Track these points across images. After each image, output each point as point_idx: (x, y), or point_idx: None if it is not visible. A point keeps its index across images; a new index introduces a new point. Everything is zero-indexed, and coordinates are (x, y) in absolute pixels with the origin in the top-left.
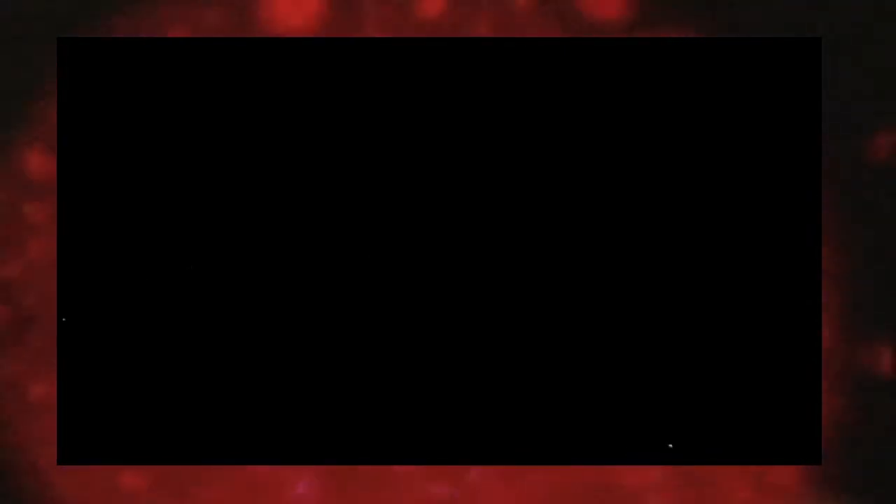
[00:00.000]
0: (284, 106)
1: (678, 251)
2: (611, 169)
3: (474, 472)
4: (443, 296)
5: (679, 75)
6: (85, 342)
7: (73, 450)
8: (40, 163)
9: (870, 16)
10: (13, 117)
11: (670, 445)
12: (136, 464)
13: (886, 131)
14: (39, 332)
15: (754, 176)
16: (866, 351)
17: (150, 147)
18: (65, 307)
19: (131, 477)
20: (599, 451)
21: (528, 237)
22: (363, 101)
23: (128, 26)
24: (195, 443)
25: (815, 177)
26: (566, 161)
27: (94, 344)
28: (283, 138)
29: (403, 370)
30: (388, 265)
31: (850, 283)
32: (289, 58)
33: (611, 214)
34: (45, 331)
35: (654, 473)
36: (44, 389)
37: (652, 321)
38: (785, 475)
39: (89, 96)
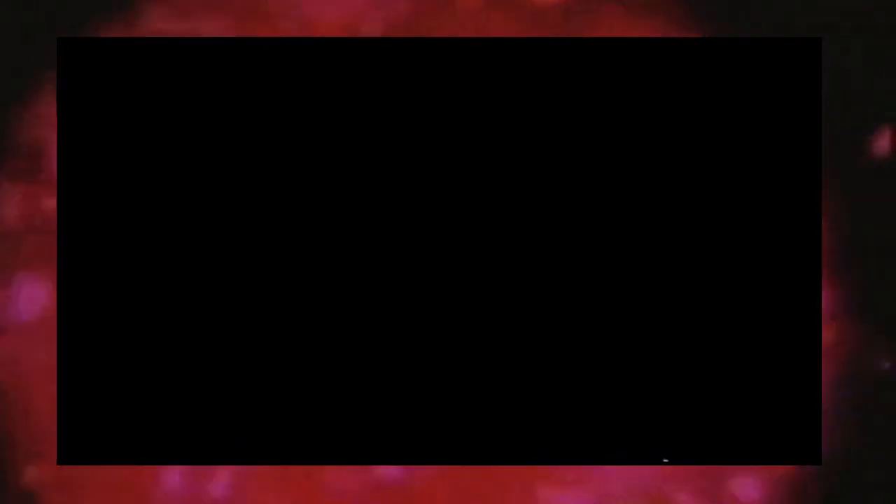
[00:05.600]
0: (286, 106)
1: (677, 251)
2: (609, 169)
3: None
4: (442, 297)
5: (679, 75)
6: (85, 342)
7: (73, 450)
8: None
9: (870, 16)
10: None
11: (665, 460)
12: (137, 464)
13: (887, 131)
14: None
15: (754, 176)
16: (866, 351)
17: (150, 147)
18: (65, 307)
19: None
20: (598, 451)
21: (528, 238)
22: (362, 101)
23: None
24: (196, 443)
25: (815, 177)
26: (565, 161)
27: (94, 343)
28: (285, 139)
29: (400, 370)
30: (386, 265)
31: (851, 282)
32: (290, 58)
33: (610, 215)
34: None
35: None
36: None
37: (651, 320)
38: None
39: (89, 96)
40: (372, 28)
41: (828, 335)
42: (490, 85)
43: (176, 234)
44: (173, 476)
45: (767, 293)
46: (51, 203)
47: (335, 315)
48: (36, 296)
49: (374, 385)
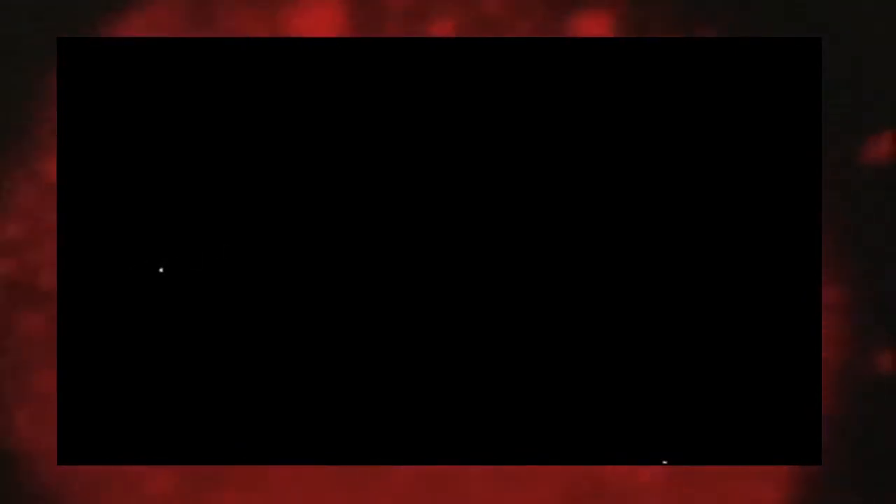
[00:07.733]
0: (285, 106)
1: (678, 252)
2: (609, 170)
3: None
4: (443, 298)
5: (679, 75)
6: (85, 341)
7: (73, 450)
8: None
9: (870, 16)
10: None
11: (664, 462)
12: (137, 464)
13: (886, 132)
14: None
15: (754, 177)
16: (866, 351)
17: (150, 147)
18: (65, 307)
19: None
20: (597, 452)
21: (528, 239)
22: (363, 101)
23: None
24: (196, 443)
25: (814, 177)
26: (565, 162)
27: (94, 343)
28: (284, 139)
29: (400, 371)
30: (387, 266)
31: (851, 283)
32: (290, 58)
33: (610, 215)
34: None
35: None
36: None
37: (651, 321)
38: None
39: (89, 96)
40: None
41: (828, 335)
42: (491, 85)
43: (176, 233)
44: None
45: (767, 294)
46: None
47: (330, 317)
48: None
49: (369, 386)
